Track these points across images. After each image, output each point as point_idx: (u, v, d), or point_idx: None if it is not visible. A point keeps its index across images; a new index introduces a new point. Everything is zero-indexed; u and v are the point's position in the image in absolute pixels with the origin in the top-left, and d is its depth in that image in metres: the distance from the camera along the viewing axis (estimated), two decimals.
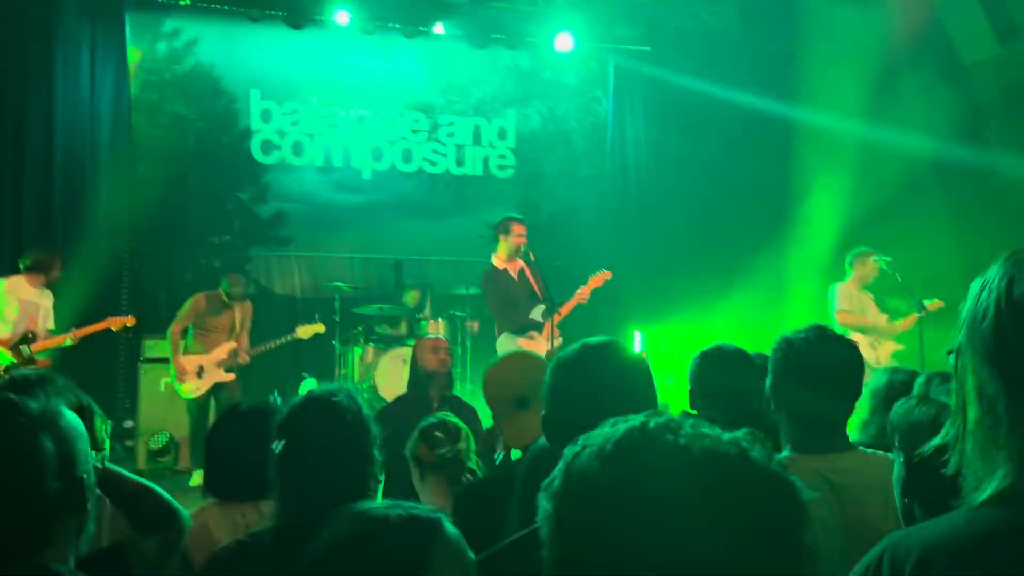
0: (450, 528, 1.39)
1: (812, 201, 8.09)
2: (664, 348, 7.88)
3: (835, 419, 1.90)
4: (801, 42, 8.32)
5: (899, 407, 1.68)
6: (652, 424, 0.72)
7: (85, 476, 1.32)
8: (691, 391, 2.67)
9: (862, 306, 6.24)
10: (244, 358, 6.53)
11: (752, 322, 7.41)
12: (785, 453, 1.90)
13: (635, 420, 0.74)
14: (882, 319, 6.27)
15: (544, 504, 0.73)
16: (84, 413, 1.52)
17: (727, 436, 0.71)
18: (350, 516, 1.45)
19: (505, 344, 5.74)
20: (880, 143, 7.54)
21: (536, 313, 5.74)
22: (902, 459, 1.57)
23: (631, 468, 0.69)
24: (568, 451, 0.76)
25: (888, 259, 6.16)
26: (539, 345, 5.61)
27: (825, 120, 7.86)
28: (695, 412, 2.79)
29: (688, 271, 8.76)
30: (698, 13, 8.98)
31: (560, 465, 0.75)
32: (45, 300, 6.32)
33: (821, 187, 8.05)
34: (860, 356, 1.94)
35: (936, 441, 0.98)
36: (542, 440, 1.80)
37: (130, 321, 6.60)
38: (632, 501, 0.67)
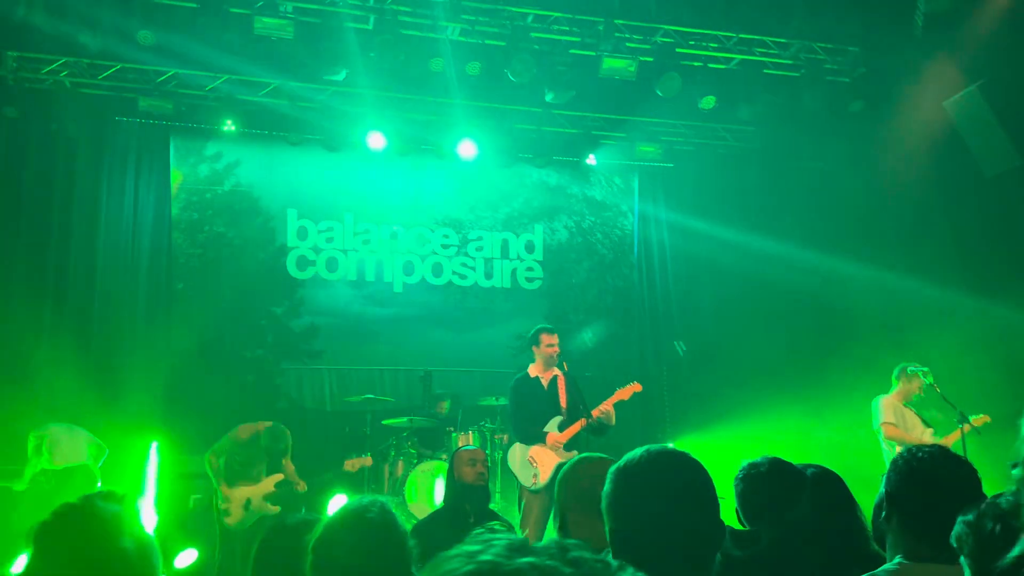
0: None
1: (848, 311, 8.08)
2: (699, 459, 7.72)
3: (948, 532, 1.92)
4: (826, 157, 8.53)
5: (965, 527, 1.68)
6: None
7: None
8: (739, 506, 2.65)
9: (906, 421, 6.14)
10: (302, 485, 6.45)
11: (791, 431, 7.29)
12: (896, 560, 1.95)
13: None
14: (927, 434, 6.15)
15: None
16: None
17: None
18: None
19: (516, 453, 5.74)
20: (913, 254, 7.59)
21: (550, 426, 5.68)
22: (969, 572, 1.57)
23: None
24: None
25: (925, 369, 6.09)
26: (550, 456, 5.57)
27: (855, 236, 7.95)
28: (740, 528, 2.75)
29: (722, 381, 8.71)
30: (718, 132, 9.29)
31: None
32: None
33: (856, 299, 8.05)
34: (978, 476, 2.01)
35: (1016, 552, 0.99)
36: None
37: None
38: None
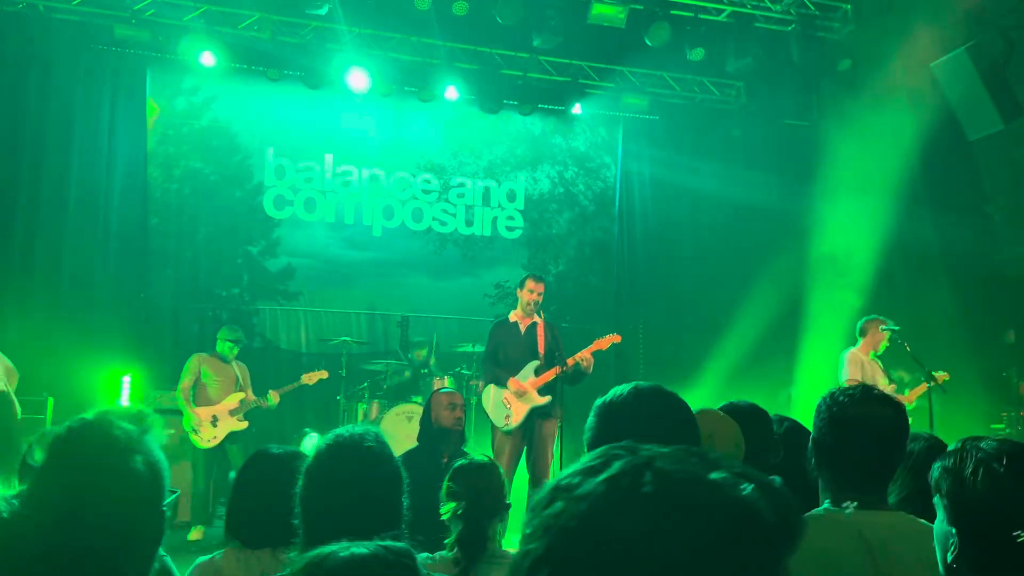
0: None
1: (829, 268, 8.13)
2: None
3: (874, 476, 1.88)
4: (811, 115, 8.50)
5: (943, 471, 1.61)
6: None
7: (165, 511, 1.32)
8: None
9: (873, 374, 6.22)
10: (275, 396, 6.55)
11: (762, 388, 7.39)
12: (824, 507, 1.88)
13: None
14: (889, 389, 6.25)
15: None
16: None
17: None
18: None
19: (490, 394, 5.80)
20: (889, 216, 7.63)
21: (527, 370, 5.73)
22: (953, 531, 1.53)
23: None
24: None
25: (896, 327, 6.17)
26: (523, 400, 5.62)
27: (836, 195, 7.97)
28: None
29: (697, 336, 8.78)
30: (705, 85, 9.21)
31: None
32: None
33: (836, 256, 8.10)
34: (906, 417, 1.92)
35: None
36: None
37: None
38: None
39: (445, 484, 2.58)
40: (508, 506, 2.63)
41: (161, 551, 2.01)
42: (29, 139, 7.75)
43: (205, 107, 8.52)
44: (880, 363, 6.43)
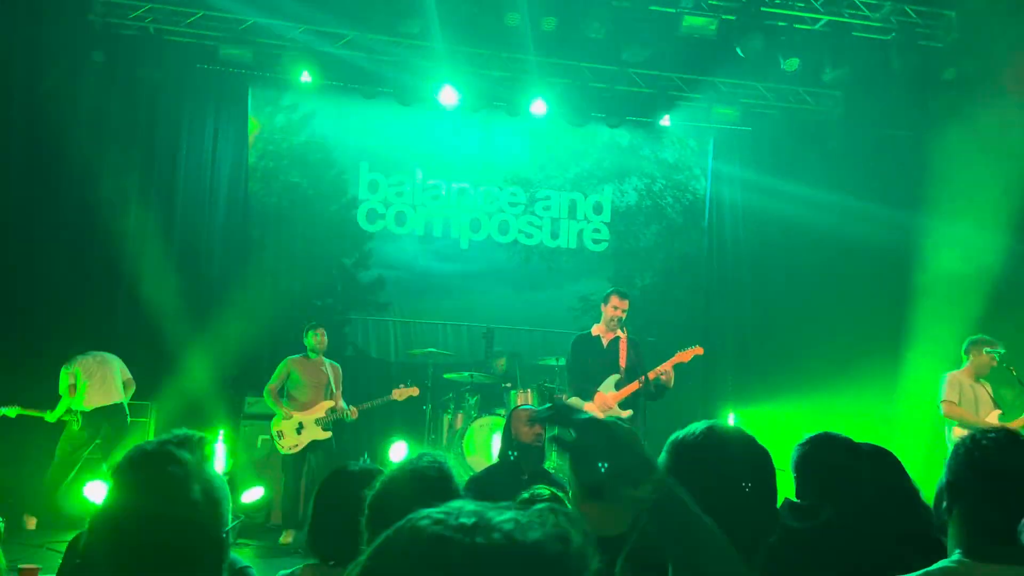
0: None
1: (930, 287, 7.76)
2: (759, 432, 7.61)
3: (1014, 527, 1.77)
4: (914, 126, 8.15)
5: None
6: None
7: (225, 536, 1.38)
8: (798, 479, 2.59)
9: (975, 398, 5.90)
10: (354, 413, 6.73)
11: (857, 414, 7.10)
12: (955, 557, 1.80)
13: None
14: (994, 415, 5.92)
15: None
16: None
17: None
18: None
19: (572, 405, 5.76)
20: (1003, 229, 7.24)
21: (607, 384, 5.69)
22: None
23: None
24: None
25: (1002, 350, 5.83)
26: (604, 413, 5.59)
27: (941, 207, 7.60)
28: (800, 501, 2.70)
29: (789, 354, 8.52)
30: (801, 95, 8.95)
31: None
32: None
33: (941, 274, 7.73)
34: None
35: None
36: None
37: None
38: None
39: None
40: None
41: (246, 562, 2.09)
42: (139, 154, 8.20)
43: (303, 124, 8.86)
44: (988, 386, 6.08)
